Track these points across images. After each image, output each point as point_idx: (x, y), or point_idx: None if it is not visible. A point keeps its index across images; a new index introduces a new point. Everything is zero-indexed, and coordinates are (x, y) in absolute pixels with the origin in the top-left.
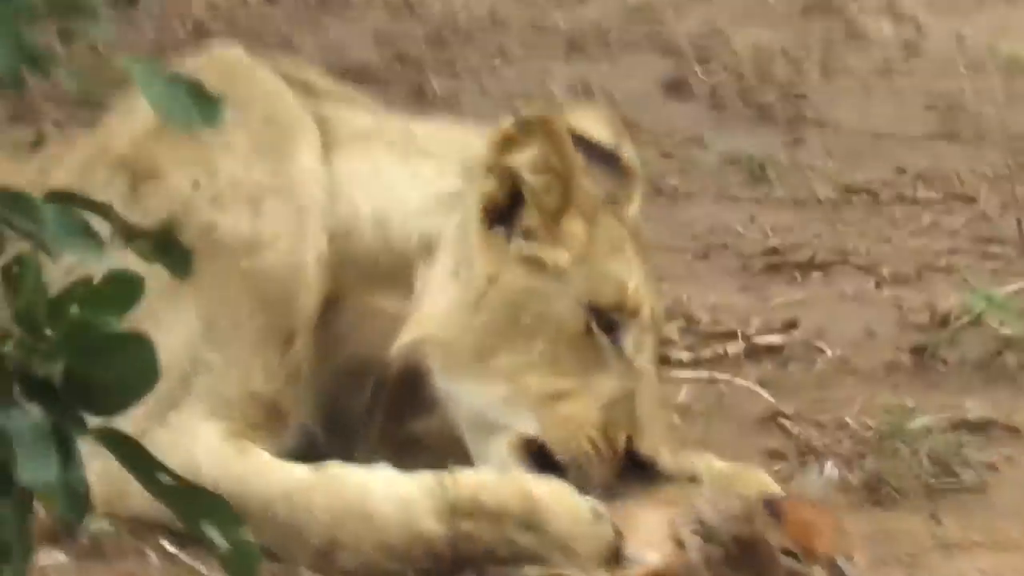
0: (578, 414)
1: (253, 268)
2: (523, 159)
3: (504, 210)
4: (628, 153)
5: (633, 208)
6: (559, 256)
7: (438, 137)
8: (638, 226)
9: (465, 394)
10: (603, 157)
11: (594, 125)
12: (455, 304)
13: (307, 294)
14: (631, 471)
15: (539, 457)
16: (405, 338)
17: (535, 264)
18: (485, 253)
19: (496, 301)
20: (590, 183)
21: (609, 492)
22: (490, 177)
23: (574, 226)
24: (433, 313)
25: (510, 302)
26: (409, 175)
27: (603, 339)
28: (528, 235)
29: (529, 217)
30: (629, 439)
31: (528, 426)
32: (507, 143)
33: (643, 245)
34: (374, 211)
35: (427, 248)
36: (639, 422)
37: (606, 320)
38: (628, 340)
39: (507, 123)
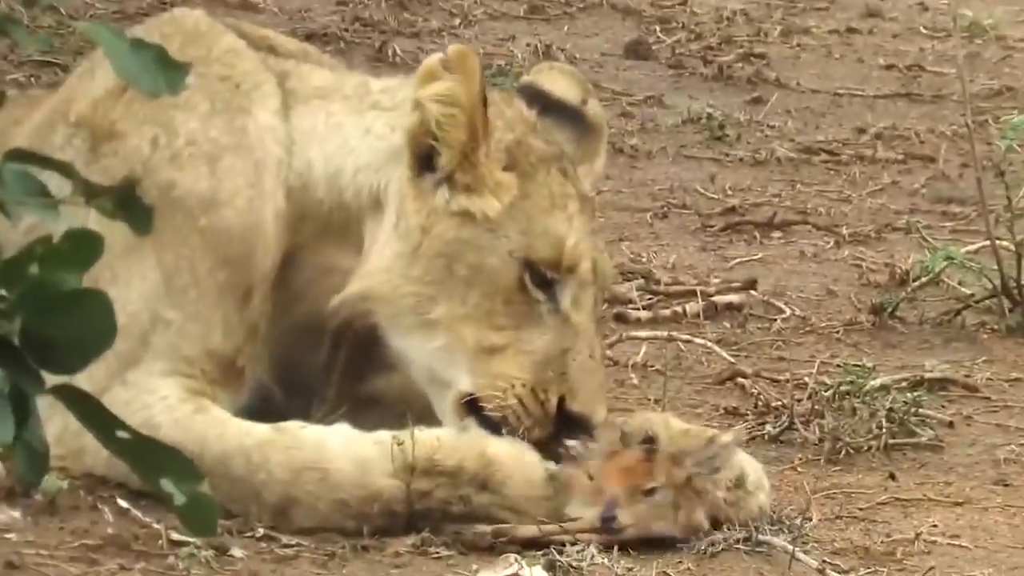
0: (508, 371)
1: (211, 226)
2: (431, 91)
3: (434, 157)
4: (594, 109)
5: (598, 164)
6: (488, 206)
7: (393, 92)
8: (598, 181)
9: (411, 350)
10: (568, 114)
11: (560, 83)
12: (394, 257)
13: (265, 251)
14: (568, 428)
15: (475, 412)
16: (348, 292)
17: (466, 215)
18: (415, 202)
19: (430, 251)
20: (535, 139)
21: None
22: (414, 113)
23: (504, 177)
24: (376, 267)
25: (443, 253)
26: (362, 130)
27: (538, 294)
28: (453, 183)
29: (446, 158)
30: (562, 398)
31: (463, 381)
32: (427, 77)
33: (593, 203)
34: (327, 166)
35: (376, 202)
36: (572, 381)
37: (542, 276)
38: (565, 297)
39: (432, 58)
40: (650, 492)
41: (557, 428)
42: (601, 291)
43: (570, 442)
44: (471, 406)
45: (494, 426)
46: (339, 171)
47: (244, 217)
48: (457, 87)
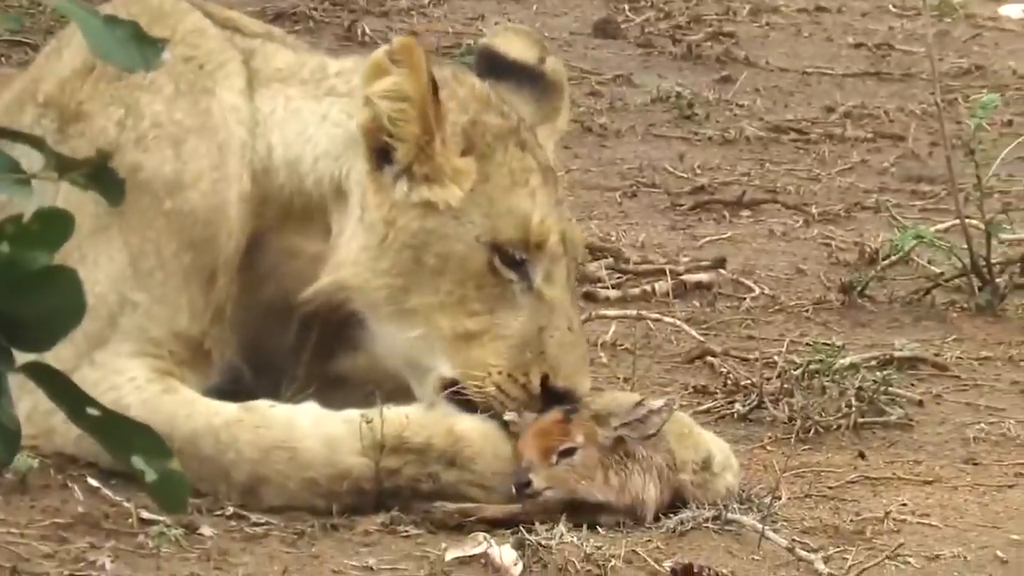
0: (486, 358)
1: (177, 209)
2: (380, 88)
3: (390, 150)
4: (552, 67)
5: (561, 121)
6: (450, 195)
7: (349, 76)
8: (562, 138)
9: (388, 336)
10: (526, 74)
11: (516, 44)
12: (361, 250)
13: (229, 233)
14: (555, 404)
15: (458, 396)
16: (320, 284)
17: (428, 205)
18: (376, 196)
19: (396, 244)
20: (491, 115)
21: None
22: (364, 108)
23: (462, 163)
24: (345, 259)
25: (409, 244)
26: (319, 117)
27: (509, 275)
28: (411, 175)
29: (402, 152)
30: (545, 376)
31: (444, 367)
32: (374, 73)
33: (555, 171)
34: (287, 153)
35: (338, 190)
36: (552, 358)
37: (511, 257)
38: (537, 274)
39: (378, 52)
40: (567, 453)
41: (545, 405)
42: (573, 260)
43: (508, 416)
44: (452, 391)
45: (474, 410)
46: (299, 158)
47: (208, 200)
48: (404, 81)
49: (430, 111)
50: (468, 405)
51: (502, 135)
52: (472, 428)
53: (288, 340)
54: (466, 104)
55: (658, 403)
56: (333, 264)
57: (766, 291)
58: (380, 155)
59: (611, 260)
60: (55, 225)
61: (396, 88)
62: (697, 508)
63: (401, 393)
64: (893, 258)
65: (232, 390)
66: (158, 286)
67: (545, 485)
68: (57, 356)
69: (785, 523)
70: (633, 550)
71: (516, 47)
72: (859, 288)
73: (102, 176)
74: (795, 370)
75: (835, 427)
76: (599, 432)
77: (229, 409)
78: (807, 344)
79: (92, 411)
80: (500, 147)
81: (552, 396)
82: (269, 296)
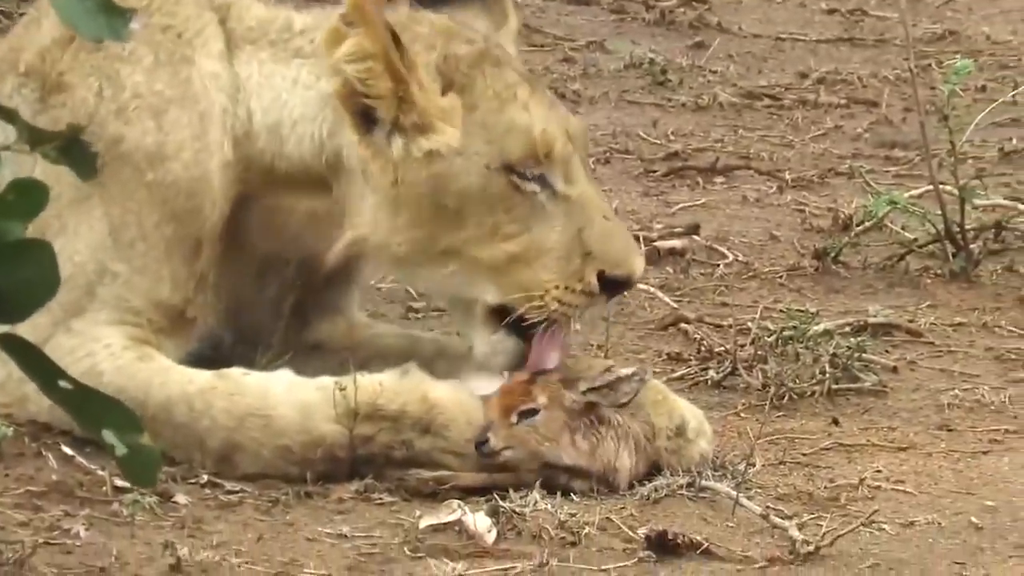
0: (539, 275)
1: (159, 180)
2: (341, 54)
3: (372, 111)
4: None
5: (512, 22)
6: (446, 137)
7: (312, 33)
8: (517, 38)
9: (422, 280)
10: None
11: None
12: (376, 208)
13: (212, 203)
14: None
15: (516, 322)
16: (344, 241)
17: (429, 155)
18: (376, 161)
19: (410, 199)
20: (458, 44)
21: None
22: (335, 78)
23: (446, 101)
24: (360, 219)
25: (424, 195)
26: (290, 81)
27: (532, 188)
28: (401, 129)
29: (383, 109)
30: (600, 272)
31: (489, 296)
32: (333, 41)
33: (535, 75)
34: (265, 118)
35: (326, 149)
36: (600, 252)
37: (525, 172)
38: (557, 179)
39: (331, 20)
40: (529, 414)
41: (610, 297)
42: (584, 150)
43: (473, 383)
44: (501, 316)
45: (523, 331)
46: (278, 123)
47: (191, 171)
48: (363, 40)
49: (397, 61)
50: (519, 328)
51: (475, 61)
52: (446, 395)
53: (269, 298)
54: (431, 41)
55: (628, 370)
56: (351, 223)
57: (740, 257)
58: (365, 118)
59: None
60: (30, 196)
61: (357, 49)
62: (671, 475)
63: (376, 360)
64: (867, 224)
65: (211, 357)
66: (139, 257)
67: (503, 444)
68: (33, 324)
69: (759, 490)
70: (607, 517)
71: None
72: (833, 254)
73: (74, 149)
74: (769, 336)
75: (809, 394)
76: (566, 395)
77: (203, 376)
78: (781, 311)
79: (64, 384)
80: (478, 73)
81: (613, 287)
82: (254, 257)
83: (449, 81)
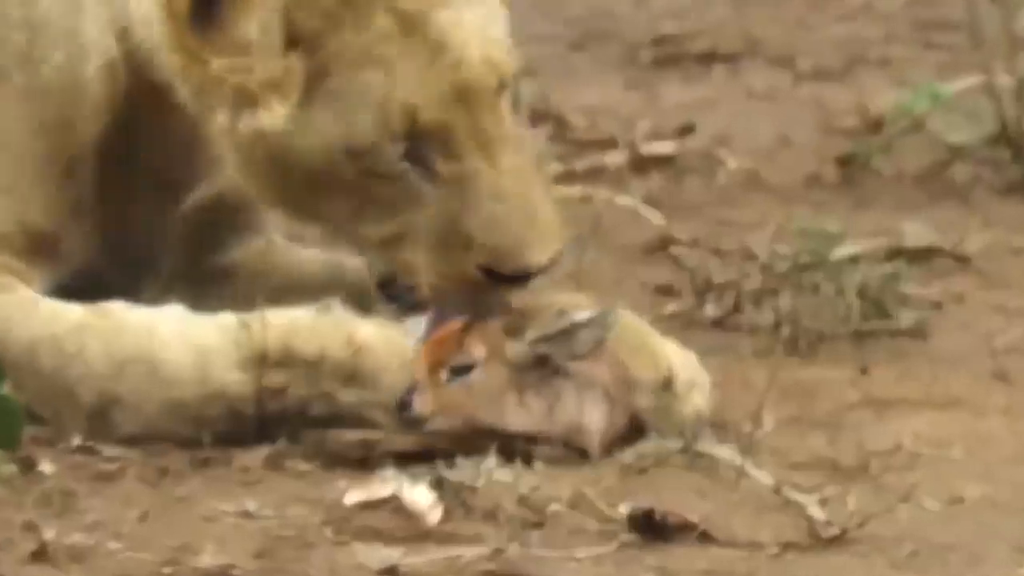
0: (412, 259)
1: (28, 86)
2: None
3: None
4: None
5: None
6: (273, 117)
7: None
8: None
9: (311, 237)
10: None
11: None
12: (234, 167)
13: (88, 116)
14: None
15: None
16: (203, 193)
17: (256, 134)
18: (209, 120)
19: (259, 172)
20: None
21: None
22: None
23: (282, 66)
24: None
25: (270, 171)
26: None
27: (393, 169)
28: (223, 95)
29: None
30: (486, 267)
31: (376, 264)
32: None
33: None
34: (139, 6)
35: (162, 68)
36: (481, 244)
37: (386, 151)
38: (431, 153)
39: None
40: (462, 371)
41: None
42: (496, 79)
43: (410, 322)
44: (392, 283)
45: (413, 304)
46: (148, 17)
47: (63, 76)
48: None
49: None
50: (407, 300)
51: (337, 4)
52: (376, 336)
53: (158, 226)
54: None
55: (585, 314)
56: (220, 166)
57: (744, 164)
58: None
59: (552, 127)
60: None
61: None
62: (659, 439)
63: (293, 293)
64: (903, 124)
65: (89, 292)
66: (5, 175)
67: (431, 409)
68: None
69: (770, 457)
70: (579, 491)
71: None
72: (860, 161)
73: None
74: (782, 263)
75: (831, 336)
76: (509, 346)
77: (76, 312)
78: (796, 231)
79: None
80: (331, 21)
81: (506, 283)
82: (143, 180)
83: (295, 36)
